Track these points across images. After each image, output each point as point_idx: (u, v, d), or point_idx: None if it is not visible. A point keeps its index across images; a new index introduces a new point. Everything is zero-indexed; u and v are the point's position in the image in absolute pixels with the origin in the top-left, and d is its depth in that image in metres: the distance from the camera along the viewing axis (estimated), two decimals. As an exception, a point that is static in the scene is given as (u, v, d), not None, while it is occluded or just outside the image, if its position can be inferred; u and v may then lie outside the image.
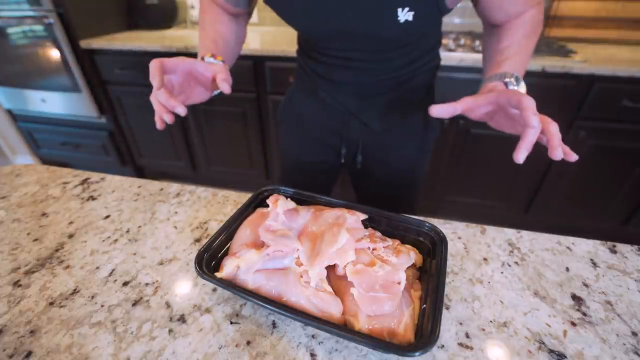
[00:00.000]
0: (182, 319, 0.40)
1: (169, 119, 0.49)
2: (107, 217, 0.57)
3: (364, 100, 0.67)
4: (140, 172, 2.18)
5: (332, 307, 0.36)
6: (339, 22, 0.52)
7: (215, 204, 0.60)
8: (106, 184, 0.66)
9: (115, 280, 0.45)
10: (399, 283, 0.37)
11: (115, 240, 0.52)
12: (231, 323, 0.39)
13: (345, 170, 0.82)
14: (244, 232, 0.45)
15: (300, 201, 0.50)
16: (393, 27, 0.50)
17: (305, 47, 0.68)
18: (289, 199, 0.48)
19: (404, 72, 0.63)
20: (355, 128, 0.70)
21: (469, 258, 0.48)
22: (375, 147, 0.72)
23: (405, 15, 0.48)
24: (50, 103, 1.88)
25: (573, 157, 0.39)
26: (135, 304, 0.42)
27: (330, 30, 0.54)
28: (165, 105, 0.48)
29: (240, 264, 0.39)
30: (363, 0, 0.48)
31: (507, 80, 0.49)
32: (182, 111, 0.48)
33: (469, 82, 1.35)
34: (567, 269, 0.47)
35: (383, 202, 0.73)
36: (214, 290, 0.44)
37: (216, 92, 0.56)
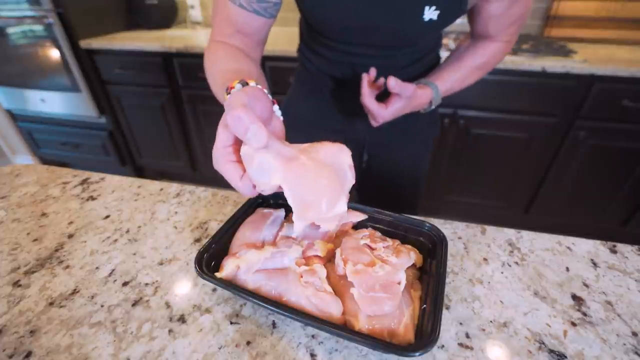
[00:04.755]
0: (182, 319, 0.40)
1: None
2: (107, 217, 0.57)
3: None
4: (140, 172, 2.18)
5: (332, 307, 0.36)
6: (366, 16, 0.52)
7: (215, 204, 0.60)
8: (106, 184, 0.66)
9: (115, 281, 0.45)
10: (399, 283, 0.37)
11: (115, 240, 0.52)
12: (231, 323, 0.39)
13: None
14: (244, 232, 0.45)
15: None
16: (417, 24, 0.52)
17: (312, 44, 0.66)
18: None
19: (408, 71, 0.64)
20: (360, 127, 0.70)
21: (469, 258, 0.48)
22: (380, 146, 0.73)
23: (430, 14, 0.50)
24: (50, 103, 1.88)
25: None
26: (135, 304, 0.42)
27: (355, 24, 0.54)
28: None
29: (240, 264, 0.39)
30: None
31: (433, 97, 0.61)
32: None
33: (469, 82, 1.35)
34: (567, 269, 0.47)
35: (387, 201, 0.73)
36: (214, 290, 0.43)
37: None
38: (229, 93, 0.36)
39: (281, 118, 0.38)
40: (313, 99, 0.71)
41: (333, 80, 0.67)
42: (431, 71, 0.68)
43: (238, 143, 0.33)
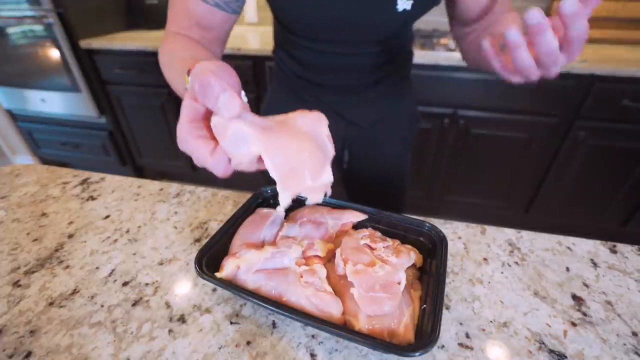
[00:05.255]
0: (182, 319, 0.40)
1: None
2: (107, 217, 0.57)
3: (346, 98, 0.66)
4: (140, 172, 2.18)
5: (332, 307, 0.36)
6: (339, 10, 0.50)
7: (215, 204, 0.60)
8: (106, 184, 0.66)
9: (115, 281, 0.45)
10: (399, 283, 0.37)
11: (115, 240, 0.52)
12: (231, 323, 0.39)
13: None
14: (244, 232, 0.45)
15: (301, 202, 0.50)
16: (391, 15, 0.50)
17: (286, 45, 0.65)
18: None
19: (384, 68, 0.64)
20: (340, 127, 0.69)
21: (469, 258, 0.48)
22: (360, 144, 0.72)
23: (404, 3, 0.49)
24: (50, 103, 1.88)
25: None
26: (135, 304, 0.42)
27: (329, 19, 0.52)
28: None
29: (240, 264, 0.39)
30: None
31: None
32: None
33: (469, 81, 1.35)
34: (568, 269, 0.47)
35: (373, 199, 0.72)
36: (214, 290, 0.43)
37: None
38: (190, 74, 0.32)
39: (247, 104, 0.36)
40: (292, 98, 0.70)
41: (309, 82, 0.66)
42: (407, 66, 0.68)
43: (206, 118, 0.30)
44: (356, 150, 0.73)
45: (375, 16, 0.51)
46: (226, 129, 0.28)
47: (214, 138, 0.30)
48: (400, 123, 0.73)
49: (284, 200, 0.31)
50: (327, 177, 0.32)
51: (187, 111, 0.29)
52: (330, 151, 0.34)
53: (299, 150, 0.31)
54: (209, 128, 0.30)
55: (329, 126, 0.75)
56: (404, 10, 0.49)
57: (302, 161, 0.31)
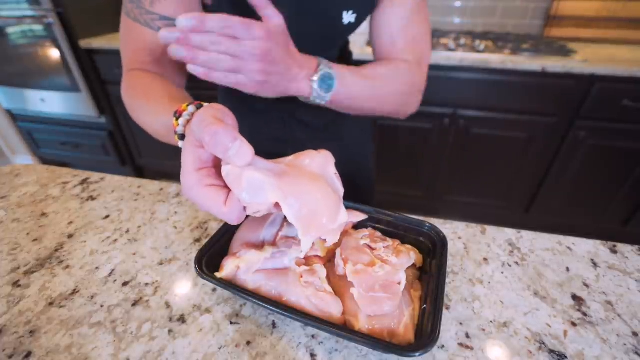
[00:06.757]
0: (182, 319, 0.40)
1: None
2: (107, 217, 0.57)
3: (297, 101, 0.67)
4: (140, 172, 2.18)
5: (332, 307, 0.36)
6: (292, 26, 0.50)
7: (215, 204, 0.59)
8: (106, 184, 0.66)
9: (115, 281, 0.45)
10: (399, 283, 0.37)
11: (115, 240, 0.52)
12: (231, 323, 0.39)
13: None
14: (244, 232, 0.45)
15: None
16: (339, 29, 0.54)
17: None
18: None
19: None
20: (299, 129, 0.69)
21: (469, 258, 0.48)
22: (321, 145, 0.72)
23: (349, 17, 0.52)
24: (50, 103, 1.88)
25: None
26: (135, 304, 0.42)
27: None
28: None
29: (240, 264, 0.39)
30: (313, 6, 0.50)
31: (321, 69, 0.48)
32: None
33: (469, 81, 1.35)
34: (568, 269, 0.47)
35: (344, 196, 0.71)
36: (214, 290, 0.43)
37: None
38: (179, 117, 0.32)
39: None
40: (245, 109, 0.68)
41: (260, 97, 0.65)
42: (345, 62, 0.70)
43: (215, 166, 0.30)
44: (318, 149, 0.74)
45: (325, 31, 0.54)
46: (240, 178, 0.28)
47: (225, 186, 0.29)
48: (350, 116, 0.75)
49: (306, 245, 0.31)
50: (343, 217, 0.32)
51: (192, 159, 0.28)
52: (340, 189, 0.34)
53: (315, 195, 0.31)
54: (218, 176, 0.29)
55: (286, 131, 0.73)
56: (350, 22, 0.53)
57: (318, 205, 0.30)
